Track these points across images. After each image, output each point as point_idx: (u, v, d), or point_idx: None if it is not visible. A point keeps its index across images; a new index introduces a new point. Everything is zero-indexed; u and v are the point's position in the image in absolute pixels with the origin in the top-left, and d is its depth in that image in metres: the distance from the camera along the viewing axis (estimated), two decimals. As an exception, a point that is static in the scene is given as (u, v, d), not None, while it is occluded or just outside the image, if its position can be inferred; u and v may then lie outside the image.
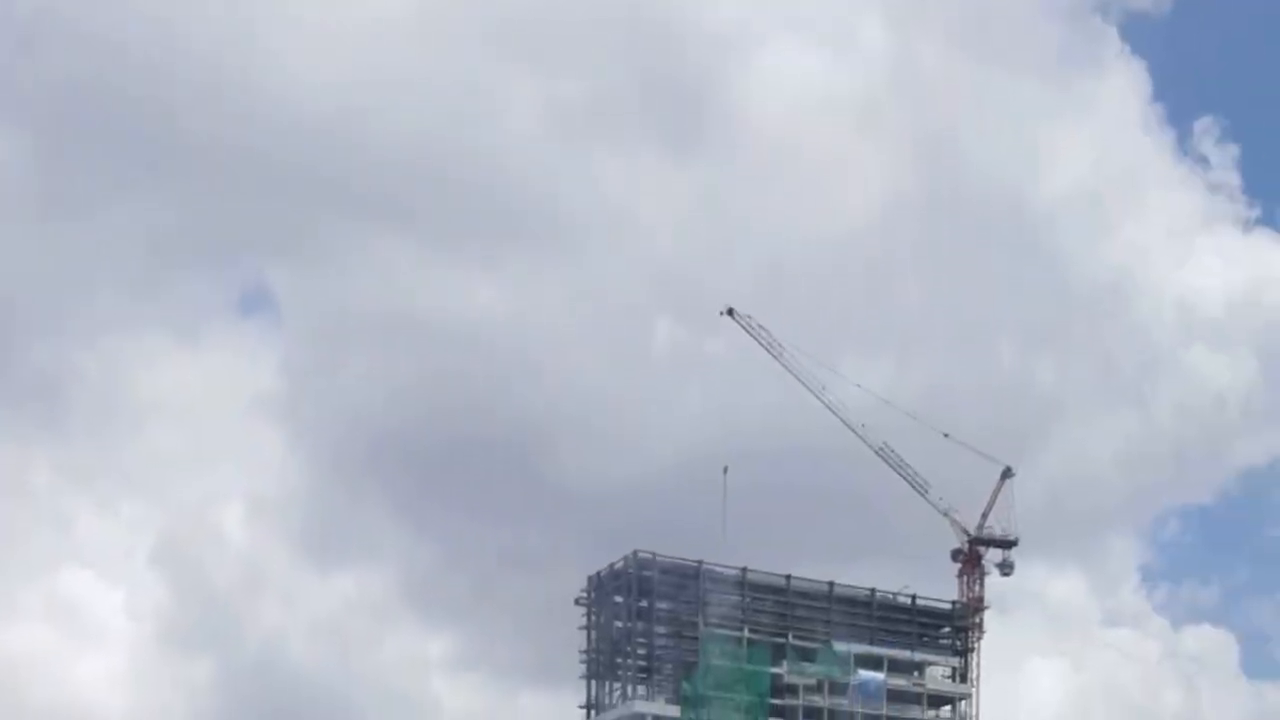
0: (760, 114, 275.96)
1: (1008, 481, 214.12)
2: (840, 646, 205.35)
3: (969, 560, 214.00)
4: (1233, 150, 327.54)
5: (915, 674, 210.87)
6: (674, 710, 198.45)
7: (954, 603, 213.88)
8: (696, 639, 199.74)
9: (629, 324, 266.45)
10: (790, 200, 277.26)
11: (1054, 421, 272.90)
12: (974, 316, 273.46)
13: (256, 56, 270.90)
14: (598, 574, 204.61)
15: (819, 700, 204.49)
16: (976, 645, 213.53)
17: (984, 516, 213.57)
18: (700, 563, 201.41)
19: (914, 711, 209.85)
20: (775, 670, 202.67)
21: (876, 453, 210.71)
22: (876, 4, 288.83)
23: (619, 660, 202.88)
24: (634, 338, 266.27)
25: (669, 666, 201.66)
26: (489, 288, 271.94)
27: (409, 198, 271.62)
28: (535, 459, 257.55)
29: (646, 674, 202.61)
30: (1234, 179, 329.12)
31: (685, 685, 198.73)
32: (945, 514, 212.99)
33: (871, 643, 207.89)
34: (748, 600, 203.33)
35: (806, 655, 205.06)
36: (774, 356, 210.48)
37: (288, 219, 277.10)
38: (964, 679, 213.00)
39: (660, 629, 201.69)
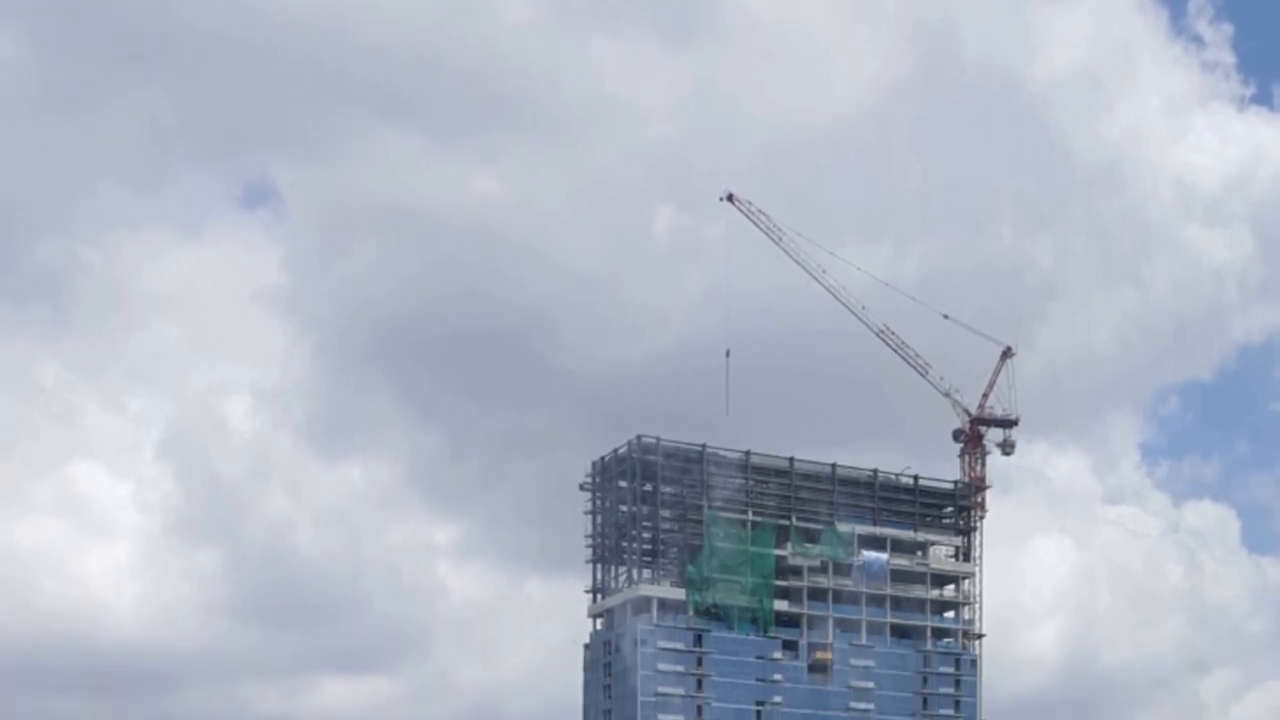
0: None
1: (1008, 361, 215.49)
2: (843, 527, 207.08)
3: (970, 440, 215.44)
4: (1227, 29, 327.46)
5: (918, 554, 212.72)
6: (679, 593, 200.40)
7: (956, 482, 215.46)
8: (701, 522, 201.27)
9: (629, 210, 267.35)
10: (788, 85, 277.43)
11: (1053, 301, 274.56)
12: (972, 198, 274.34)
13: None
14: (601, 459, 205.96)
15: (823, 581, 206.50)
16: (979, 524, 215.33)
17: (985, 396, 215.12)
18: (703, 446, 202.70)
19: (918, 590, 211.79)
20: (779, 552, 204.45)
21: (877, 335, 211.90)
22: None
23: (624, 544, 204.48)
24: (634, 224, 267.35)
25: (674, 550, 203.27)
26: (489, 177, 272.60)
27: (409, 89, 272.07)
28: (538, 346, 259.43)
29: (651, 557, 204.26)
30: (1228, 58, 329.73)
31: (690, 568, 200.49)
32: (946, 394, 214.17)
33: (874, 523, 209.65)
34: (751, 483, 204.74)
35: (810, 537, 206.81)
36: (774, 241, 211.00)
37: (289, 112, 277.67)
38: (967, 558, 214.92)
39: (664, 513, 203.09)
